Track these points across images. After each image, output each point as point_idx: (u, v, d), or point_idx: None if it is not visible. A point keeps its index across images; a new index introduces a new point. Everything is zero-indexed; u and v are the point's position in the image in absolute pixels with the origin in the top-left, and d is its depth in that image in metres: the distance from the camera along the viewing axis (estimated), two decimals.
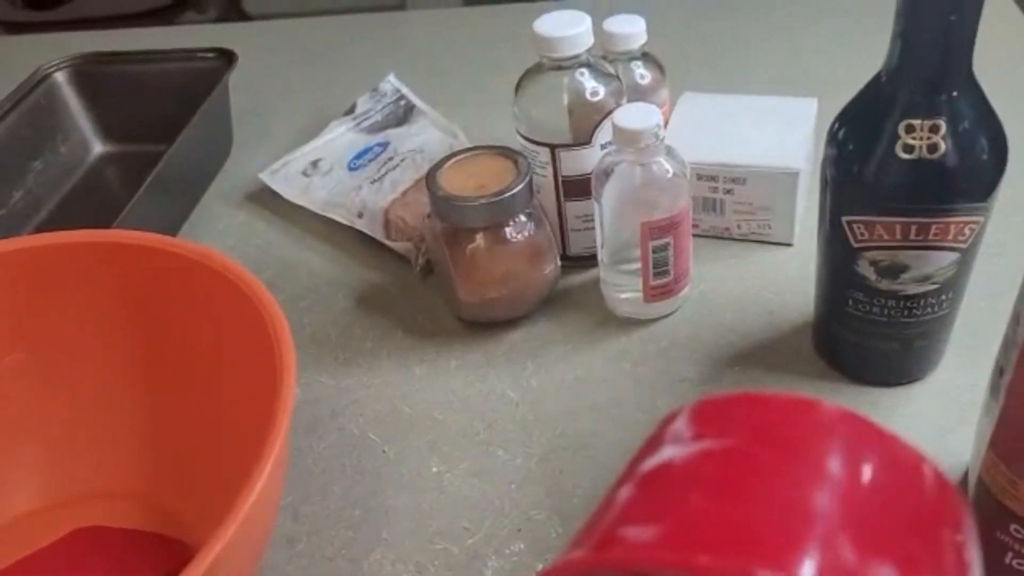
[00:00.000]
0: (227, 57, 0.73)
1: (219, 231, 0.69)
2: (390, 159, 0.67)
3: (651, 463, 0.21)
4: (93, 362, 0.47)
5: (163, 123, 0.73)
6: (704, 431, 0.21)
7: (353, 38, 0.94)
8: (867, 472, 0.19)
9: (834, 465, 0.19)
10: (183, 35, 1.00)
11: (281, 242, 0.67)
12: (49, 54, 0.76)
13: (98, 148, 0.77)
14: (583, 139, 0.55)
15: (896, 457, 0.20)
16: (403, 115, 0.73)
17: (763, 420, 0.20)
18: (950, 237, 0.43)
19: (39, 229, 0.69)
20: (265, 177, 0.70)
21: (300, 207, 0.68)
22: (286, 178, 0.70)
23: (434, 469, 0.50)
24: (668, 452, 0.21)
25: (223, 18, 2.71)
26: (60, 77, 0.74)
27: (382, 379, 0.55)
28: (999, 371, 0.38)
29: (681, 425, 0.22)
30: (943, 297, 0.45)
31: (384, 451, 0.51)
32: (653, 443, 0.23)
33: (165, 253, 0.45)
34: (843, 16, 0.85)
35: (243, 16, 2.76)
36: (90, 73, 0.75)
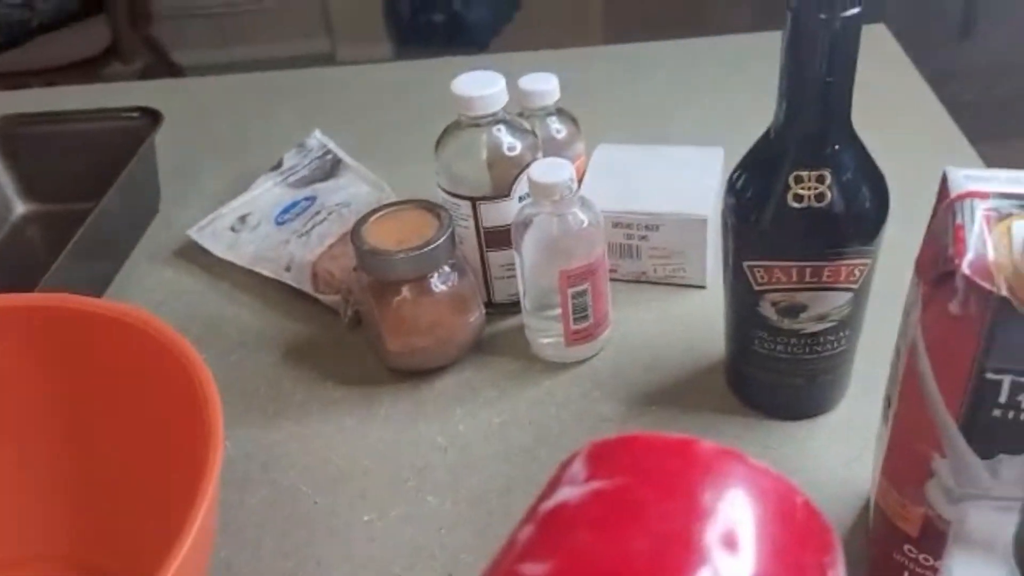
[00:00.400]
0: (153, 116, 0.74)
1: (147, 289, 0.69)
2: (317, 213, 0.69)
3: (549, 504, 0.23)
4: (17, 425, 0.47)
5: (87, 182, 0.74)
6: (596, 472, 0.23)
7: (279, 95, 0.95)
8: (740, 503, 0.22)
9: (710, 498, 0.21)
10: (109, 93, 1.00)
11: (209, 298, 0.68)
12: None
13: (20, 208, 0.77)
14: (502, 192, 0.58)
15: (767, 489, 0.22)
16: (330, 169, 0.75)
17: (647, 460, 0.22)
18: (842, 278, 0.46)
19: None
20: (193, 233, 0.71)
21: (228, 262, 0.69)
22: (214, 234, 0.71)
23: (365, 518, 0.51)
24: (564, 493, 0.23)
25: (149, 69, 2.70)
26: None
27: (312, 430, 0.56)
28: (887, 402, 0.41)
29: (577, 468, 0.24)
30: (841, 334, 0.49)
31: (315, 502, 0.52)
32: (552, 485, 0.24)
33: (86, 314, 0.45)
34: (746, 69, 0.90)
35: (171, 67, 2.75)
36: (13, 134, 0.75)
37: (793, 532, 0.22)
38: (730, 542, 0.20)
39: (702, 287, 0.63)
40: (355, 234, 0.56)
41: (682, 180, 0.63)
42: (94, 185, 0.70)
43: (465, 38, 2.95)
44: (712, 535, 0.20)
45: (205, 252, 0.70)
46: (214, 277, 0.69)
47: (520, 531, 0.23)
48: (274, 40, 3.00)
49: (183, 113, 0.86)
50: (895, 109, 0.80)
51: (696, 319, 0.61)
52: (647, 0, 3.22)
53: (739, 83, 0.87)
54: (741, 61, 0.91)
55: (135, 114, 0.74)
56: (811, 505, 0.23)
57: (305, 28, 2.98)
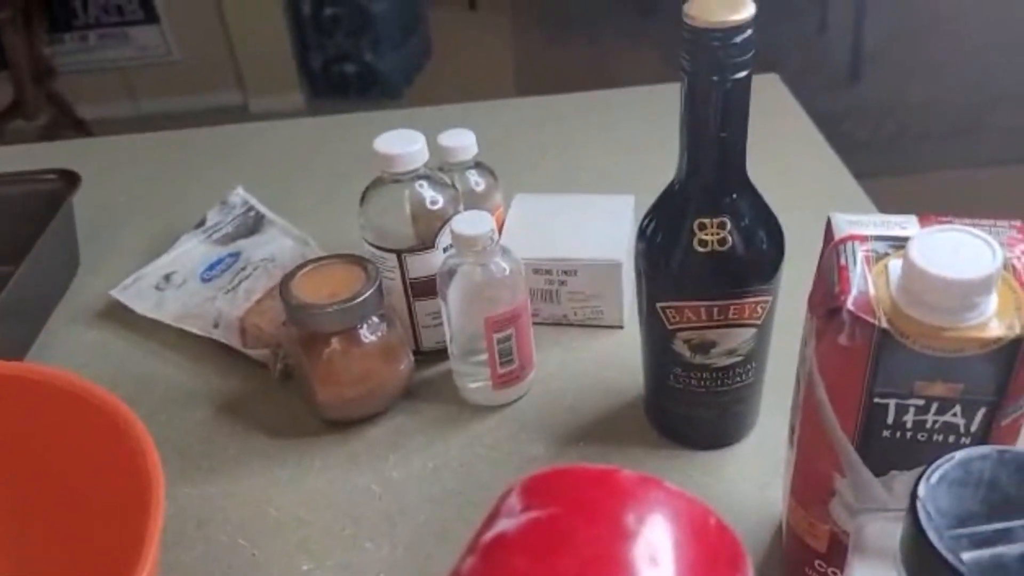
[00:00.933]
0: (70, 178, 0.74)
1: (68, 352, 0.69)
2: (243, 269, 0.70)
3: (489, 535, 0.25)
4: None
5: (2, 246, 0.73)
6: (530, 503, 0.25)
7: (195, 152, 0.96)
8: (659, 525, 0.24)
9: (633, 521, 0.24)
10: (20, 155, 0.99)
11: (136, 357, 0.68)
12: None
13: None
14: (427, 244, 0.60)
15: (682, 510, 0.25)
16: (253, 225, 0.76)
17: (576, 490, 0.25)
18: (747, 315, 0.50)
19: None
20: (117, 293, 0.71)
21: (154, 321, 0.69)
22: (138, 293, 0.71)
23: (304, 567, 0.51)
24: (502, 524, 0.25)
25: (54, 124, 2.65)
26: None
27: (247, 484, 0.57)
28: (792, 429, 0.45)
29: (513, 500, 0.26)
30: (748, 367, 0.52)
31: (254, 554, 0.52)
32: (491, 517, 0.27)
33: (14, 379, 0.46)
34: (653, 119, 0.95)
35: (76, 122, 2.70)
36: None
37: (708, 548, 0.25)
38: (653, 560, 0.23)
39: (620, 327, 0.66)
40: (284, 289, 0.57)
41: (596, 227, 0.66)
42: (9, 248, 0.69)
43: (378, 88, 2.98)
44: (636, 554, 0.23)
45: (128, 311, 0.71)
46: (140, 336, 0.69)
47: (463, 563, 0.25)
48: (184, 93, 2.98)
49: (98, 174, 0.86)
50: (788, 153, 0.85)
51: (615, 358, 0.64)
52: (555, 50, 3.32)
53: (647, 133, 0.92)
54: (648, 112, 0.96)
55: (52, 176, 0.74)
56: (723, 523, 0.26)
57: (216, 80, 2.96)
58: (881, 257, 0.37)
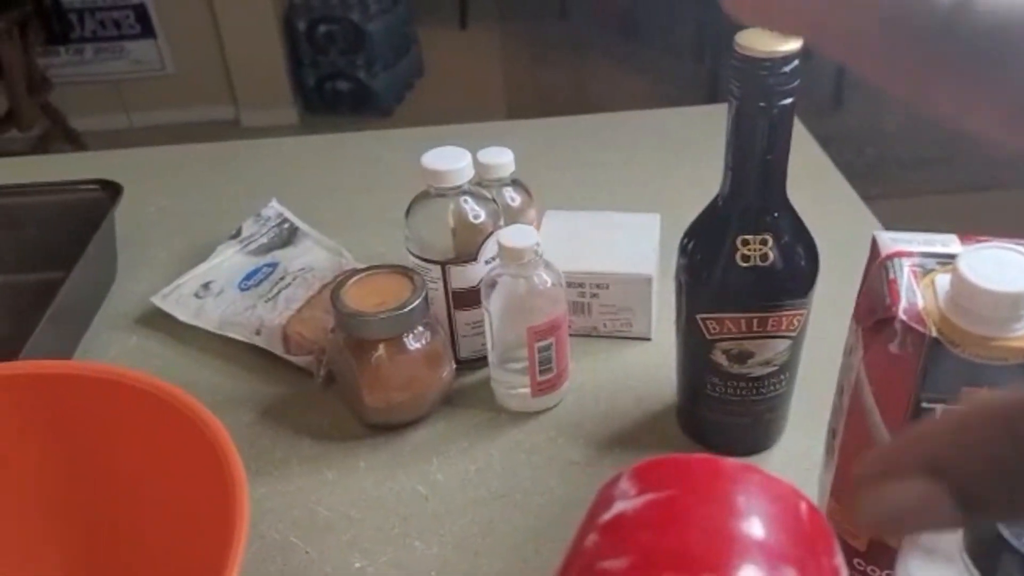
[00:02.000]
0: (112, 188, 0.76)
1: (112, 357, 0.70)
2: (281, 278, 0.72)
3: (607, 516, 0.28)
4: (20, 496, 0.48)
5: (42, 253, 0.75)
6: (645, 487, 0.28)
7: (226, 165, 0.98)
8: (764, 506, 0.27)
9: (742, 502, 0.26)
10: (52, 164, 1.01)
11: (177, 363, 0.70)
12: None
13: None
14: (467, 256, 0.63)
15: (783, 495, 0.28)
16: (287, 237, 0.78)
17: (687, 474, 0.28)
18: (783, 327, 0.53)
19: None
20: (157, 300, 0.73)
21: (192, 328, 0.71)
22: (178, 301, 0.73)
23: (356, 565, 0.54)
24: (619, 506, 0.28)
25: (47, 135, 2.65)
26: None
27: (296, 485, 0.59)
28: (832, 434, 0.48)
29: (625, 485, 0.29)
30: (782, 377, 0.55)
31: (307, 552, 0.54)
32: (604, 502, 0.29)
33: (96, 381, 0.47)
34: (673, 144, 0.98)
35: (68, 133, 2.70)
36: None
37: (805, 529, 0.27)
38: (764, 537, 0.26)
39: (647, 339, 0.69)
40: (335, 297, 0.60)
41: (626, 243, 0.69)
42: (52, 255, 0.71)
43: (370, 105, 3.01)
44: (750, 531, 0.25)
45: (166, 318, 0.72)
46: (179, 343, 0.71)
47: (585, 539, 0.28)
48: (176, 106, 2.99)
49: (131, 183, 0.88)
50: (797, 175, 0.89)
51: (644, 368, 0.67)
52: (543, 70, 3.37)
53: (663, 154, 0.95)
54: (660, 134, 0.99)
55: (94, 186, 0.76)
56: (815, 508, 0.28)
57: (208, 94, 2.98)
58: (928, 272, 0.40)
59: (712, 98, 2.96)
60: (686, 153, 0.96)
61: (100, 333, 0.73)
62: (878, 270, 0.42)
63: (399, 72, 3.07)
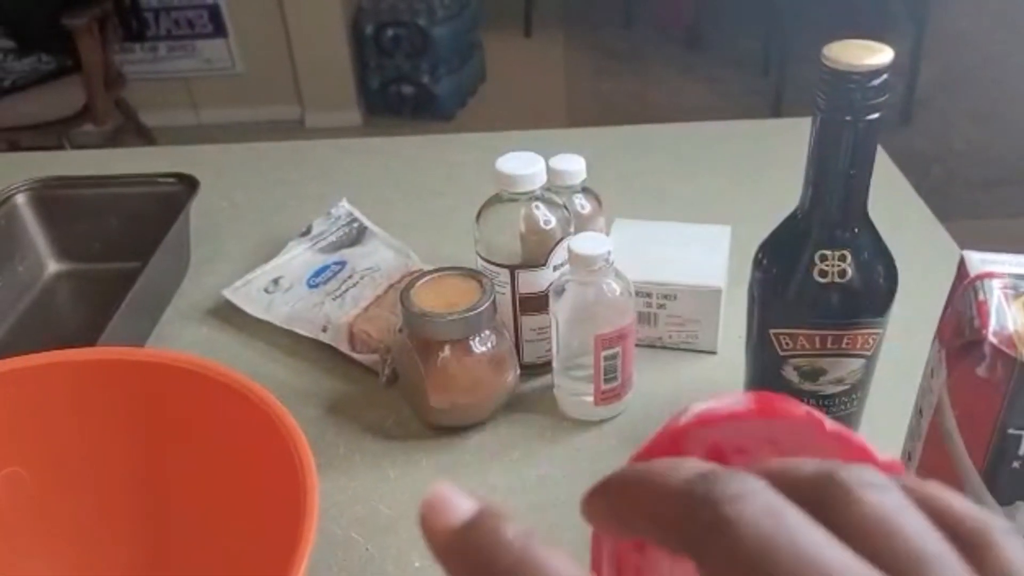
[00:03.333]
0: (188, 182, 0.78)
1: (182, 347, 0.72)
2: (349, 277, 0.73)
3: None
4: (95, 482, 0.49)
5: (120, 243, 0.77)
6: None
7: (297, 163, 1.00)
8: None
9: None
10: (127, 158, 1.03)
11: (245, 356, 0.71)
12: (12, 175, 0.79)
13: (52, 267, 0.79)
14: (535, 262, 0.63)
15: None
16: (356, 236, 0.79)
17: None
18: (858, 346, 0.52)
19: (1, 346, 0.71)
20: (228, 294, 0.74)
21: (261, 322, 0.72)
22: (248, 295, 0.74)
23: (416, 564, 0.54)
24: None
25: (119, 130, 2.72)
26: (20, 199, 0.77)
27: (359, 482, 0.59)
28: (907, 457, 0.47)
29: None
30: (853, 396, 0.54)
31: (367, 549, 0.55)
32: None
33: (173, 369, 0.48)
34: (740, 157, 0.97)
35: (139, 128, 2.77)
36: (50, 196, 0.78)
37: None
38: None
39: (713, 353, 0.68)
40: (404, 297, 0.60)
41: (695, 254, 0.69)
42: (127, 246, 0.73)
43: (432, 109, 3.04)
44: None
45: (236, 311, 0.74)
46: (248, 336, 0.72)
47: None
48: (243, 105, 3.05)
49: (204, 178, 0.90)
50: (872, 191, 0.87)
51: (710, 382, 0.66)
52: (605, 79, 3.36)
53: (733, 165, 0.94)
54: (729, 145, 0.98)
55: (172, 180, 0.78)
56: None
57: (275, 94, 3.04)
58: (1020, 295, 0.39)
59: (776, 112, 2.92)
60: (752, 166, 0.94)
61: (172, 323, 0.75)
62: (966, 291, 0.41)
63: (462, 77, 3.10)
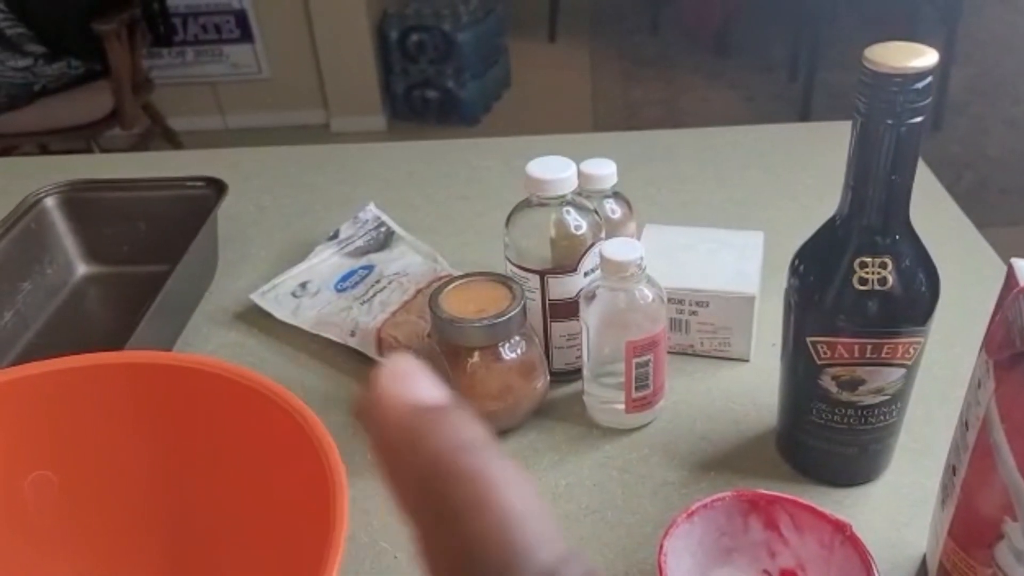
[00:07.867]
0: (217, 186, 0.78)
1: (210, 351, 0.72)
2: (377, 281, 0.72)
3: None
4: (122, 485, 0.49)
5: (148, 246, 0.77)
6: None
7: (324, 167, 0.99)
8: None
9: None
10: (155, 162, 1.04)
11: (273, 360, 0.70)
12: (42, 178, 0.80)
13: (82, 269, 0.79)
14: (565, 267, 0.62)
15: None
16: (384, 241, 0.79)
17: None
18: (899, 355, 0.50)
19: (28, 349, 0.71)
20: (256, 298, 0.74)
21: (288, 326, 0.72)
22: (276, 299, 0.74)
23: None
24: None
25: (146, 134, 2.74)
26: (50, 202, 0.77)
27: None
28: (951, 470, 0.45)
29: None
30: (893, 407, 0.53)
31: (395, 557, 0.54)
32: None
33: (202, 374, 0.48)
34: (768, 161, 0.96)
35: (167, 132, 2.79)
36: (79, 199, 0.78)
37: None
38: None
39: (746, 360, 0.67)
40: (433, 302, 0.59)
41: (728, 260, 0.67)
42: (155, 249, 0.73)
43: (457, 114, 3.04)
44: None
45: (263, 315, 0.73)
46: (275, 340, 0.72)
47: None
48: (269, 110, 3.07)
49: (232, 182, 0.90)
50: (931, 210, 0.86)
51: (742, 391, 0.65)
52: (632, 85, 3.35)
53: (763, 171, 0.93)
54: (758, 151, 0.97)
55: (200, 183, 0.78)
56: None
57: (301, 99, 3.05)
58: None
59: (804, 118, 2.89)
60: (781, 171, 0.93)
61: (200, 327, 0.74)
62: (1015, 301, 0.39)
63: (487, 82, 3.09)
